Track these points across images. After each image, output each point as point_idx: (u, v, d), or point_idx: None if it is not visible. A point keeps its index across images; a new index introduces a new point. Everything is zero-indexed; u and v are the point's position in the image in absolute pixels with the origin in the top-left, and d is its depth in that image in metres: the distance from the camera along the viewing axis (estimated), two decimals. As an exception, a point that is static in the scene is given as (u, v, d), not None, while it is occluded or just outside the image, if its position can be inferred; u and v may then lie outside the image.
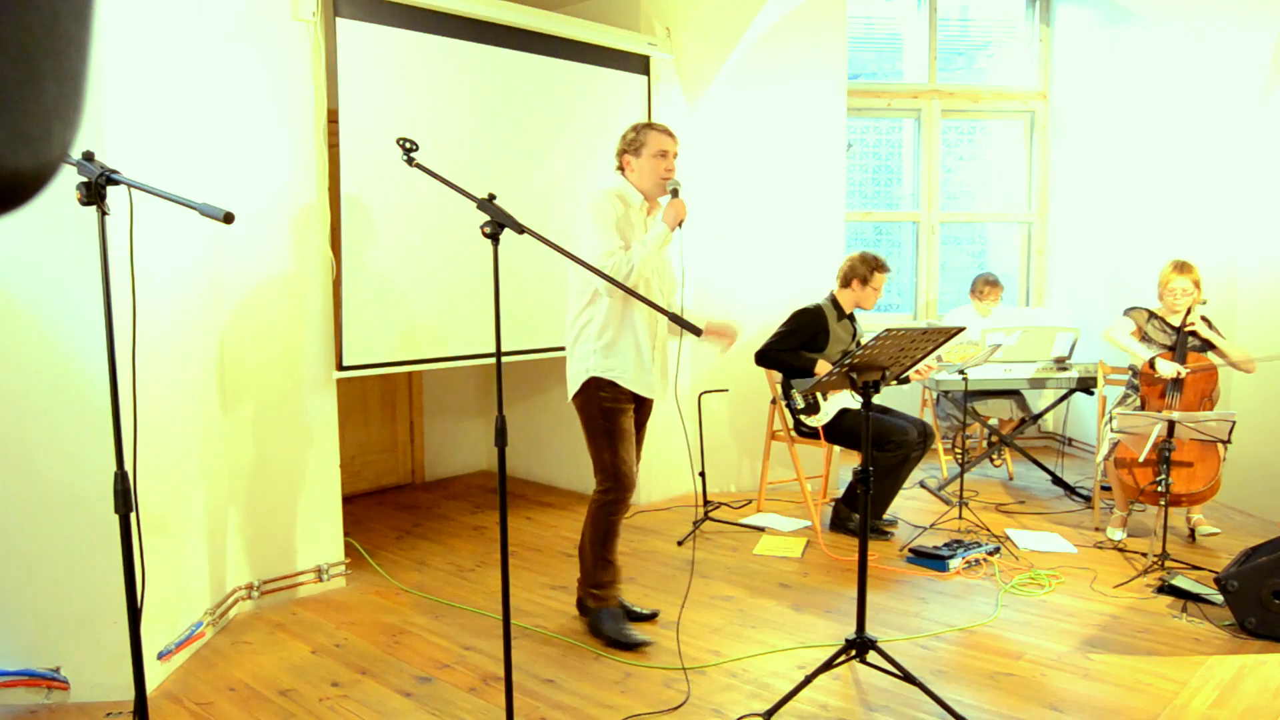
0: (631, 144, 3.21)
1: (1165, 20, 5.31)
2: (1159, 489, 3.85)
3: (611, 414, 3.16)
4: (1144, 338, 4.42)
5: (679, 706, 2.79)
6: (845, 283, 4.59)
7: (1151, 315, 4.44)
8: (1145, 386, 4.34)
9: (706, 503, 4.82)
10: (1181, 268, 4.32)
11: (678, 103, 5.01)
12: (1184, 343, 4.29)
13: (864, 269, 4.52)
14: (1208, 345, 4.30)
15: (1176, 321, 4.35)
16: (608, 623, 3.24)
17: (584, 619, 3.38)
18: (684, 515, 4.80)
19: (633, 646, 3.16)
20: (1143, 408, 4.30)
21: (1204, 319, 4.34)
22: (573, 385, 3.20)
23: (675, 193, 3.11)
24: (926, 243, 6.46)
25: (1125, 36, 5.73)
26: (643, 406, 3.33)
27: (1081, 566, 4.00)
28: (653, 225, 3.14)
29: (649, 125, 3.25)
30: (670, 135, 3.22)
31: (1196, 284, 4.30)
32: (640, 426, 3.35)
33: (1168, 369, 4.21)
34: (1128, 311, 4.48)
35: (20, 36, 0.41)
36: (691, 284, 4.95)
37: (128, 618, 2.03)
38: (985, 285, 5.74)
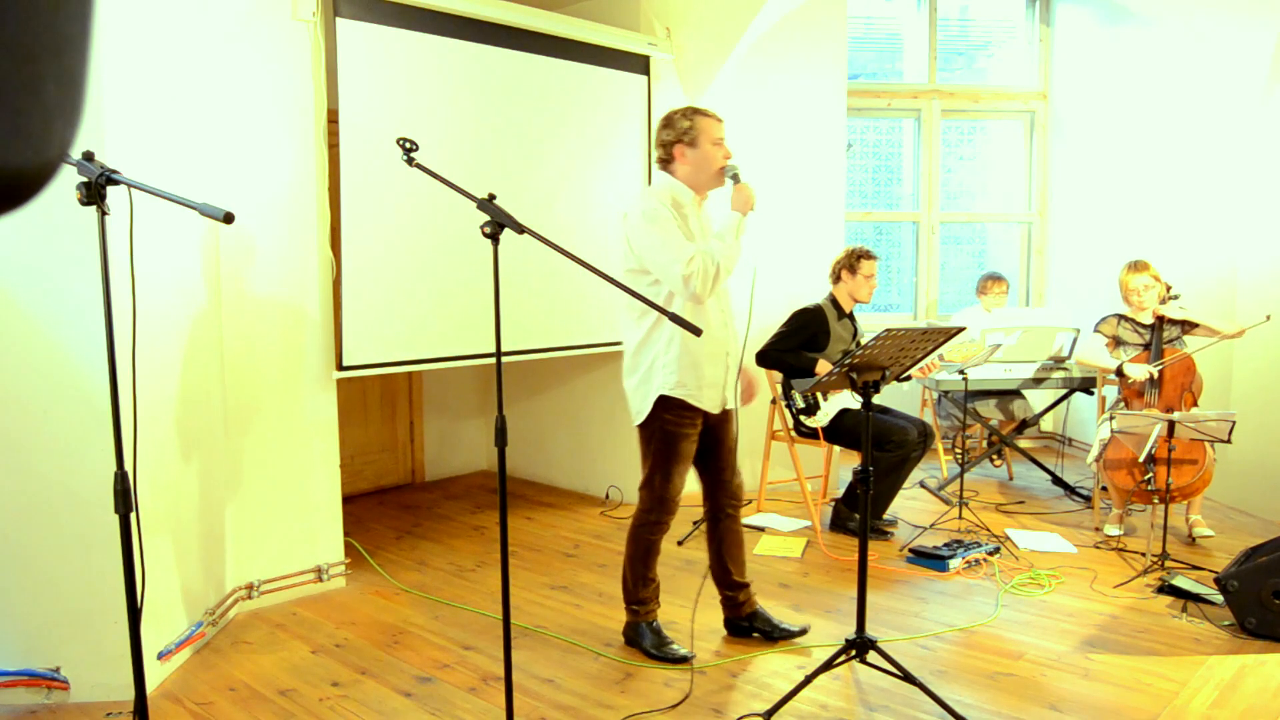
0: (686, 133, 2.97)
1: (1165, 20, 5.31)
2: (1147, 487, 3.86)
3: (673, 438, 3.01)
4: (1117, 344, 4.45)
5: (679, 705, 2.79)
6: (836, 278, 4.61)
7: (1121, 319, 4.49)
8: (1124, 389, 4.38)
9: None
10: (1136, 266, 4.41)
11: (678, 103, 4.99)
12: (1159, 339, 4.32)
13: (848, 259, 4.57)
14: (1187, 326, 4.32)
15: (1147, 319, 4.39)
16: (648, 637, 3.15)
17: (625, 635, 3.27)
18: (685, 515, 4.79)
19: (676, 661, 3.06)
20: (1127, 408, 4.32)
21: (1173, 300, 4.36)
22: (640, 406, 3.02)
23: (737, 176, 2.94)
24: (926, 243, 6.46)
25: (1125, 36, 5.73)
26: (720, 420, 3.14)
27: (1081, 566, 4.00)
28: (722, 217, 2.94)
29: (697, 111, 3.01)
30: (720, 120, 3.04)
31: (1156, 278, 4.36)
32: (723, 439, 3.16)
33: (1138, 372, 4.25)
34: (1097, 326, 4.54)
35: (20, 36, 0.41)
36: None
37: (128, 618, 2.03)
38: (990, 281, 5.79)
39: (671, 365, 2.95)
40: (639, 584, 3.16)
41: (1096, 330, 4.54)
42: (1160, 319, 4.36)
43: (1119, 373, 4.33)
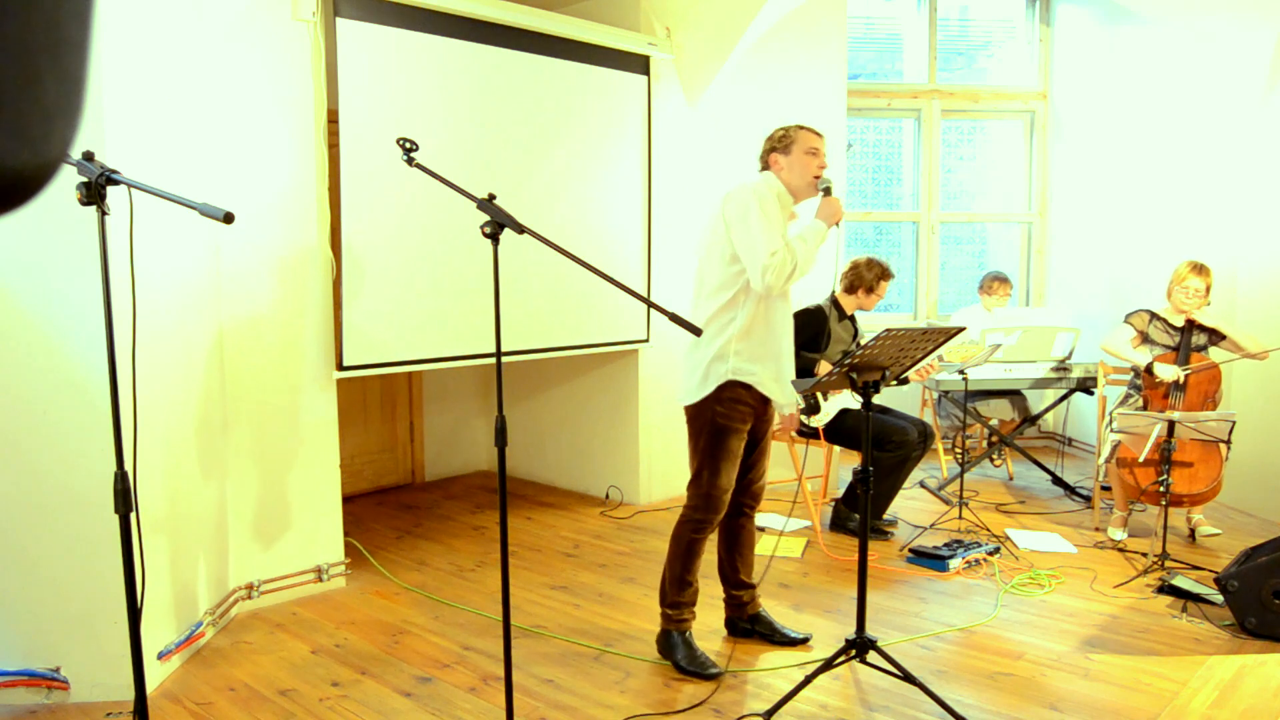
0: (780, 141, 3.06)
1: (1165, 20, 5.31)
2: (1160, 489, 3.85)
3: (722, 432, 2.98)
4: (1145, 340, 4.40)
5: (683, 709, 2.79)
6: (850, 289, 4.58)
7: (1154, 316, 4.41)
8: (1148, 389, 4.33)
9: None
10: (1199, 269, 4.27)
11: (678, 103, 5.02)
12: (1188, 342, 4.28)
13: (871, 277, 4.51)
14: (1215, 337, 4.27)
15: (1180, 322, 4.34)
16: (681, 649, 3.05)
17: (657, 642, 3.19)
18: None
19: (708, 678, 2.96)
20: (1145, 409, 4.29)
21: (1205, 307, 4.32)
22: (697, 388, 2.99)
23: (828, 191, 3.01)
24: (926, 243, 6.46)
25: (1125, 36, 5.73)
26: (761, 421, 3.14)
27: (1081, 566, 4.00)
28: (808, 223, 3.00)
29: (799, 126, 3.09)
30: (819, 135, 3.08)
31: (1209, 288, 4.26)
32: (759, 440, 3.17)
33: (1167, 373, 4.20)
34: (1128, 317, 4.46)
35: (20, 36, 0.41)
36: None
37: (128, 618, 2.03)
38: (994, 282, 5.76)
39: (748, 353, 2.97)
40: (675, 585, 3.08)
41: (1126, 322, 4.44)
42: (1191, 322, 4.32)
43: (1148, 370, 4.27)
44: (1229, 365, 4.75)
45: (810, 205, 3.10)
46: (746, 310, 2.97)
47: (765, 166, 3.10)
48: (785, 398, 3.07)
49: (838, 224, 3.00)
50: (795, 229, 3.05)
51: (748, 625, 3.29)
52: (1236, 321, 4.66)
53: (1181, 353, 4.27)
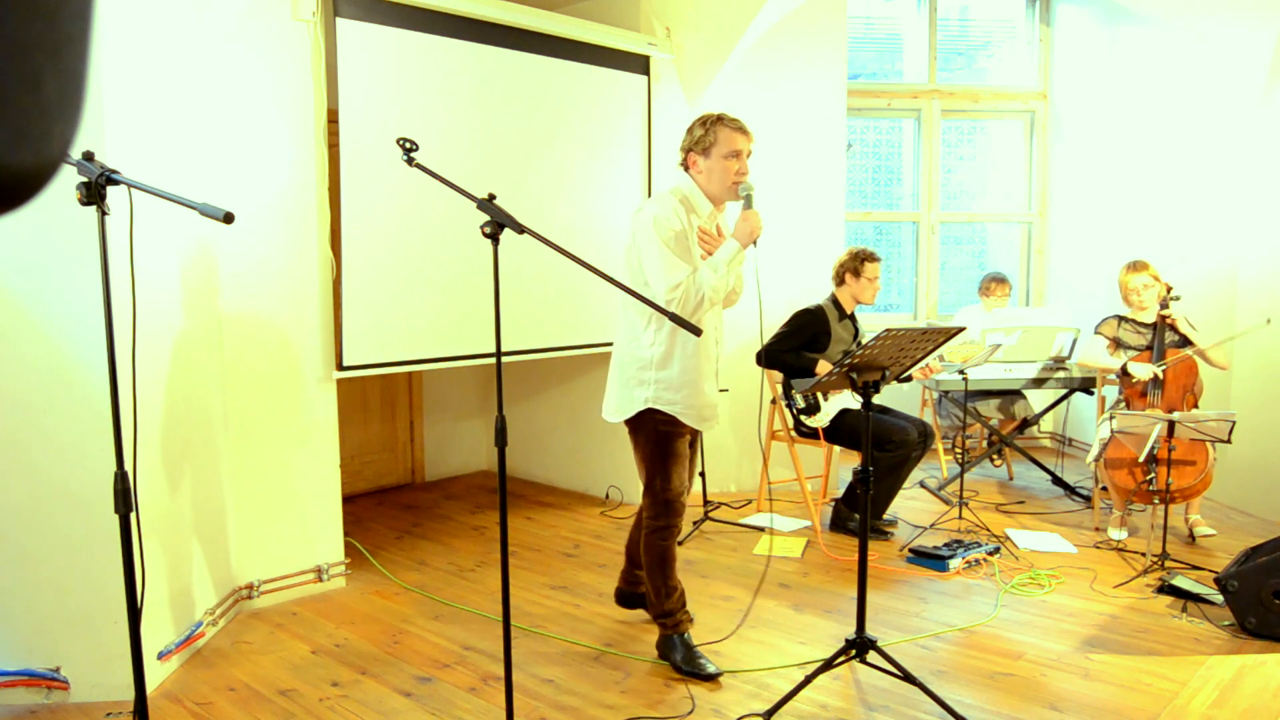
0: (699, 142, 2.89)
1: (1165, 20, 5.31)
2: (1149, 487, 3.86)
3: (667, 438, 2.96)
4: (1118, 345, 4.45)
5: (684, 712, 2.79)
6: (839, 280, 4.62)
7: (1122, 320, 4.48)
8: (1126, 389, 4.37)
9: (706, 503, 4.82)
10: (1136, 266, 4.41)
11: (678, 103, 5.01)
12: (1162, 340, 4.32)
13: (852, 261, 4.57)
14: (1185, 339, 4.33)
15: (1149, 319, 4.39)
16: (679, 651, 3.04)
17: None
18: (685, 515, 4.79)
19: (707, 678, 2.95)
20: (1128, 409, 4.31)
21: (1173, 301, 4.36)
22: (625, 409, 2.98)
23: (749, 200, 2.83)
24: (926, 243, 6.46)
25: (1125, 36, 5.73)
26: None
27: (1081, 566, 4.00)
28: (724, 246, 2.84)
29: (720, 120, 2.90)
30: (744, 132, 2.90)
31: (1155, 277, 4.36)
32: (693, 444, 3.17)
33: (1142, 371, 4.24)
34: (1097, 328, 4.54)
35: (20, 35, 0.41)
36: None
37: (128, 618, 2.03)
38: (993, 283, 5.79)
39: (667, 382, 2.91)
40: (661, 595, 3.08)
41: (1097, 332, 4.53)
42: (1164, 319, 4.35)
43: (1123, 372, 4.32)
44: (1229, 364, 4.75)
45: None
46: (666, 334, 2.89)
47: (684, 164, 2.97)
48: (705, 425, 3.03)
49: (755, 242, 2.82)
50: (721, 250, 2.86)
51: (640, 604, 3.39)
52: (1235, 321, 4.66)
53: (1156, 350, 4.30)
